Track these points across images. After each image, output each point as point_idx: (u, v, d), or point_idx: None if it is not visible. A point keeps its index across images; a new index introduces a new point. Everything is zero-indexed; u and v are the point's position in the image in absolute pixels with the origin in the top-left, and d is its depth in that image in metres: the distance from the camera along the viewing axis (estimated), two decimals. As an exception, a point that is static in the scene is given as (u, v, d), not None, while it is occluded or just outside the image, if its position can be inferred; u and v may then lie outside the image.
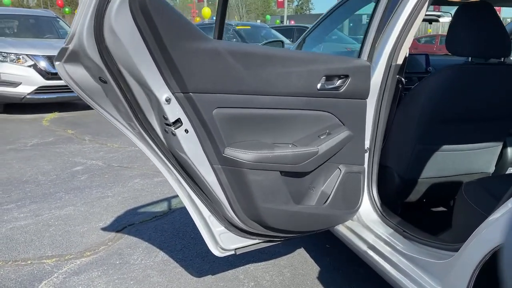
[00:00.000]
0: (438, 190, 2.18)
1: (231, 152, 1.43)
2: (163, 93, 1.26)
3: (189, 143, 1.37)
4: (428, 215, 2.40)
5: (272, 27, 12.94)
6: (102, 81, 1.23)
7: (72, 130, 5.66)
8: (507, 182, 1.71)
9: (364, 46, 1.81)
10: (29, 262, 2.32)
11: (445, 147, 1.98)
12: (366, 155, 1.95)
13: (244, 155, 1.44)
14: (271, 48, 1.48)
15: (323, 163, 1.70)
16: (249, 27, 11.62)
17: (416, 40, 19.33)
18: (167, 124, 1.33)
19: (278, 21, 32.80)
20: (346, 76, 1.67)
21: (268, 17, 38.40)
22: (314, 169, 1.68)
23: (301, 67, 1.54)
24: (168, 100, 1.27)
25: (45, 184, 3.56)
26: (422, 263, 1.60)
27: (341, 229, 2.03)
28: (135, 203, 3.16)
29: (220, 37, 1.44)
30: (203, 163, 1.43)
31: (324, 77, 1.62)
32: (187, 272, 2.24)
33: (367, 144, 1.95)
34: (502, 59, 1.91)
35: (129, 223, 2.82)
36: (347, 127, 1.74)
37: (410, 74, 2.91)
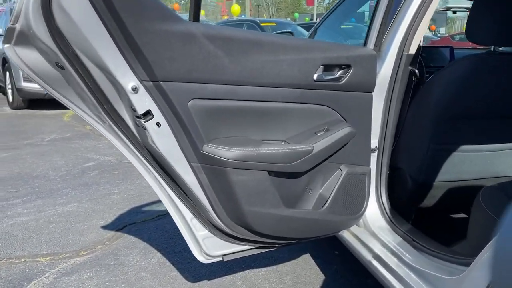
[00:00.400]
0: (456, 195, 1.97)
1: (210, 149, 1.28)
2: (128, 80, 1.12)
3: (162, 138, 1.23)
4: (446, 222, 2.18)
5: (299, 24, 12.72)
6: (59, 66, 1.11)
7: (90, 126, 5.66)
8: (533, 188, 1.49)
9: (370, 33, 1.62)
10: (23, 260, 2.25)
11: (463, 147, 1.77)
12: (374, 155, 1.77)
13: (225, 152, 1.29)
14: (258, 33, 1.33)
15: (320, 163, 1.53)
16: (274, 24, 11.45)
17: (450, 37, 18.61)
18: (137, 117, 1.20)
19: (307, 18, 32.43)
20: (348, 66, 1.49)
21: (296, 15, 38.05)
22: (310, 170, 1.51)
23: (294, 55, 1.37)
24: (135, 89, 1.14)
25: (54, 179, 3.52)
26: (430, 278, 1.41)
27: (346, 235, 1.85)
28: (140, 201, 3.07)
29: (196, 19, 1.29)
30: (180, 160, 1.29)
31: (321, 66, 1.45)
32: (182, 276, 2.12)
33: (375, 143, 1.77)
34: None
35: (131, 222, 2.72)
36: (349, 124, 1.56)
37: (433, 68, 2.68)
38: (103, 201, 3.07)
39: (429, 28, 21.10)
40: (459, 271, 1.37)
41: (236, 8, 20.80)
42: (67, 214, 2.84)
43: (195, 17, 1.28)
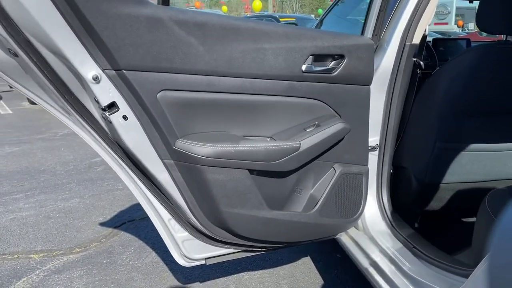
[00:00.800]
0: (465, 198, 1.81)
1: (183, 145, 1.18)
2: (89, 69, 1.03)
3: (130, 132, 1.14)
4: (454, 226, 2.02)
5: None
6: (13, 53, 1.04)
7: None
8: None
9: (368, 21, 1.49)
10: (15, 256, 2.21)
11: (472, 146, 1.62)
12: (375, 153, 1.64)
13: (199, 148, 1.19)
14: (238, 18, 1.22)
15: (310, 161, 1.42)
16: (294, 19, 11.29)
17: (478, 33, 17.99)
18: (102, 109, 1.11)
19: (330, 14, 31.94)
20: (341, 57, 1.37)
21: (320, 11, 37.61)
22: (299, 168, 1.39)
23: (279, 43, 1.26)
24: (96, 79, 1.05)
25: (60, 174, 3.51)
26: (428, 290, 1.28)
27: (344, 238, 1.73)
28: (142, 197, 3.01)
29: (165, 1, 1.19)
30: (151, 157, 1.20)
31: (311, 56, 1.33)
32: (174, 277, 2.03)
33: (375, 140, 1.64)
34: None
35: (129, 219, 2.66)
36: (343, 119, 1.44)
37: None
38: (105, 197, 3.02)
39: (456, 24, 20.48)
40: (459, 283, 1.24)
41: (257, 3, 20.64)
42: (67, 209, 2.80)
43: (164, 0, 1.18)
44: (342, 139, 1.45)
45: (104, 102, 1.09)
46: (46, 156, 4.02)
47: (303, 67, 1.32)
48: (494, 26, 1.48)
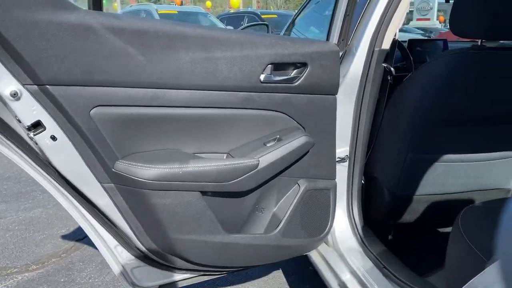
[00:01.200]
0: (441, 210, 1.73)
1: (123, 167, 1.06)
2: (5, 84, 0.90)
3: (61, 154, 1.01)
4: (428, 239, 1.94)
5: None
6: None
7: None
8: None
9: (333, 25, 1.38)
10: (-34, 275, 2.06)
11: (446, 156, 1.53)
12: (345, 164, 1.54)
13: (142, 171, 1.06)
14: (185, 24, 1.09)
15: (272, 178, 1.30)
16: (275, 16, 11.17)
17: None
18: (27, 129, 0.98)
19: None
20: (304, 65, 1.26)
21: (304, 6, 37.46)
22: (258, 186, 1.28)
23: (234, 52, 1.14)
24: (15, 95, 0.92)
25: (25, 181, 3.33)
26: (397, 318, 1.19)
27: (313, 254, 1.63)
28: (109, 206, 2.87)
29: (97, 6, 1.06)
30: (89, 180, 1.07)
31: (270, 65, 1.21)
32: (136, 296, 1.91)
33: (345, 151, 1.54)
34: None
35: (94, 231, 2.52)
36: (308, 132, 1.33)
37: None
38: (70, 206, 2.87)
39: (438, 20, 20.63)
40: (429, 311, 1.15)
41: (235, 0, 20.36)
42: (28, 221, 2.65)
43: (96, 3, 1.05)
44: (307, 152, 1.34)
45: (28, 121, 0.96)
46: (13, 162, 3.82)
47: (262, 77, 1.20)
48: (468, 30, 1.38)
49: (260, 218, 1.35)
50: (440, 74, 1.40)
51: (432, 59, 1.44)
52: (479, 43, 1.40)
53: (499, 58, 1.40)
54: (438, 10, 20.87)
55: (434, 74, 1.42)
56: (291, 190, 1.38)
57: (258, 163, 1.20)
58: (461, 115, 1.45)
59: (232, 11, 18.04)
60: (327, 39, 1.40)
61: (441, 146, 1.52)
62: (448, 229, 1.98)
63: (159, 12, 8.40)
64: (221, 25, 9.56)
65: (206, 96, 1.14)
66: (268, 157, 1.23)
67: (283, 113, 1.29)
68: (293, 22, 2.39)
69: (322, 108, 1.34)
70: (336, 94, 1.36)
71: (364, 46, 1.42)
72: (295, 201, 1.36)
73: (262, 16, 10.54)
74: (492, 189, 1.67)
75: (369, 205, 1.74)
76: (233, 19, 10.94)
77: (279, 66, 1.25)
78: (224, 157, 1.22)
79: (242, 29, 2.33)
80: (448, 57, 1.40)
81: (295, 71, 1.27)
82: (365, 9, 1.44)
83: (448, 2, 2.33)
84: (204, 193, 1.17)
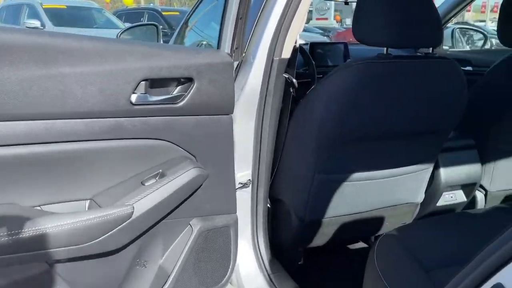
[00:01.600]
0: (353, 231, 1.61)
1: None
2: None
3: None
4: (340, 263, 1.81)
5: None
6: None
7: None
8: (438, 234, 1.15)
9: (224, 30, 1.16)
10: None
11: (354, 175, 1.39)
12: (247, 190, 1.34)
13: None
14: (8, 29, 0.79)
15: (154, 224, 1.04)
16: (177, 13, 10.73)
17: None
18: None
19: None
20: (189, 80, 1.02)
21: (208, 3, 37.14)
22: (135, 239, 1.01)
23: (89, 66, 0.86)
24: None
25: None
26: None
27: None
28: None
29: None
30: None
31: (144, 82, 0.95)
32: None
33: (247, 175, 1.34)
34: (430, 49, 1.34)
35: None
36: (199, 161, 1.09)
37: (326, 68, 2.33)
38: None
39: (335, 19, 21.74)
40: None
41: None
42: None
43: None
44: (199, 187, 1.10)
45: None
46: None
47: (133, 98, 0.94)
48: (373, 38, 1.25)
49: (143, 274, 1.08)
50: (345, 88, 1.25)
51: (335, 70, 1.28)
52: (384, 52, 1.28)
53: (404, 67, 1.28)
54: (335, 10, 21.97)
55: (337, 88, 1.26)
56: (181, 234, 1.13)
57: (133, 211, 0.93)
58: (369, 130, 1.31)
59: (130, 7, 17.06)
60: (218, 47, 1.17)
61: (348, 165, 1.38)
62: (360, 246, 1.90)
63: (43, 6, 7.52)
64: (118, 22, 8.91)
65: (51, 127, 0.84)
66: (146, 200, 0.96)
67: (166, 140, 1.03)
68: (186, 23, 2.12)
69: (215, 131, 1.11)
70: (232, 113, 1.14)
71: (262, 54, 1.23)
72: (187, 247, 1.11)
73: (163, 13, 10.07)
74: (401, 204, 1.58)
75: (277, 231, 1.56)
76: (132, 16, 10.30)
77: (156, 83, 0.99)
78: (86, 205, 0.93)
79: (121, 33, 2.00)
80: (351, 69, 1.25)
81: (178, 88, 1.02)
82: (261, 11, 1.24)
83: (347, 4, 2.24)
84: (56, 261, 0.87)
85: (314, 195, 1.40)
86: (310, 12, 24.43)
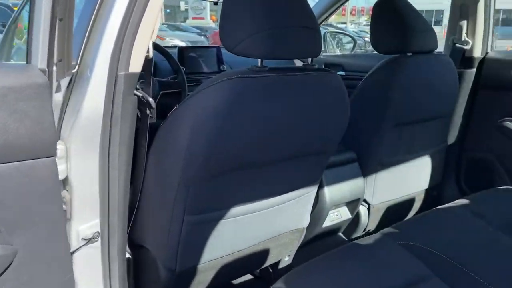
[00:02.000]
0: (235, 270, 1.39)
1: None
2: None
3: None
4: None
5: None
6: None
7: None
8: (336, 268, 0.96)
9: (34, 33, 0.81)
10: None
11: (233, 211, 1.16)
12: (95, 245, 1.02)
13: None
14: None
15: None
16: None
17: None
18: None
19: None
20: None
21: None
22: None
23: None
24: None
25: None
26: None
27: None
28: None
29: None
30: None
31: None
32: None
33: (94, 226, 1.02)
34: (310, 60, 1.16)
35: None
36: (5, 231, 0.74)
37: (199, 75, 2.06)
38: None
39: (211, 19, 21.67)
40: None
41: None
42: None
43: None
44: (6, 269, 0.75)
45: None
46: None
47: None
48: (244, 49, 1.02)
49: None
50: (211, 111, 0.99)
51: (202, 86, 1.02)
52: (258, 64, 1.06)
53: (282, 81, 1.08)
54: (210, 10, 21.92)
55: (202, 110, 1.01)
56: None
57: None
58: (241, 160, 1.08)
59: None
60: (27, 60, 0.82)
61: (224, 200, 1.14)
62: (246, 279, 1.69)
63: None
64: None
65: None
66: None
67: None
68: (15, 21, 1.66)
69: (29, 184, 0.77)
70: (55, 155, 0.80)
71: (101, 68, 0.91)
72: None
73: (14, 8, 8.78)
74: (287, 232, 1.39)
75: (142, 285, 1.26)
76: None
77: None
78: None
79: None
80: (216, 87, 1.00)
81: None
82: (97, 9, 0.92)
83: (217, 4, 2.01)
84: None
85: (186, 241, 1.13)
86: (186, 11, 23.93)
